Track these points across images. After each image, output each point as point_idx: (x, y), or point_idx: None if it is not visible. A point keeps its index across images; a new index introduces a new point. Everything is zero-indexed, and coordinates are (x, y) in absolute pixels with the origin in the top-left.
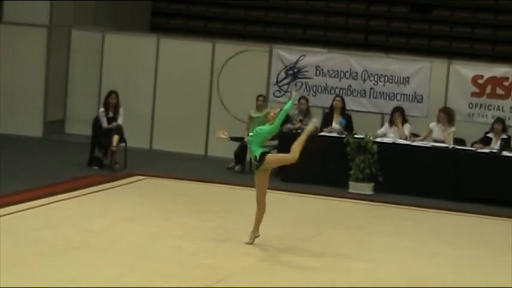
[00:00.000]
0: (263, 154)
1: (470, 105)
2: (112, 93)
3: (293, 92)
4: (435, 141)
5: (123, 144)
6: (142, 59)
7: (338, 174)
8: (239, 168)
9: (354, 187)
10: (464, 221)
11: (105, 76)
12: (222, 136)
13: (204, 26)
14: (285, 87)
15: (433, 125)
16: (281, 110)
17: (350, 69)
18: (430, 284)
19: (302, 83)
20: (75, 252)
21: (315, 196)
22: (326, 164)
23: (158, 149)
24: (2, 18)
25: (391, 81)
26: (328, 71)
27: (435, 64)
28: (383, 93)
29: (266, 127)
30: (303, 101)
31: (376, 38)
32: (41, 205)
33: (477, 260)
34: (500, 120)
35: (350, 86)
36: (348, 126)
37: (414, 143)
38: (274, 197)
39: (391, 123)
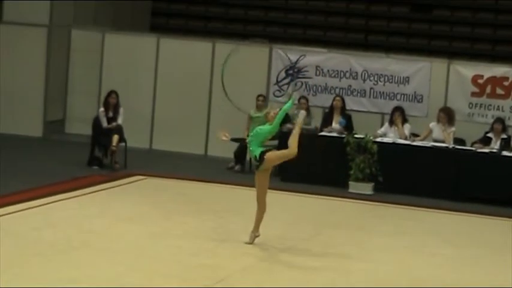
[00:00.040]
0: (263, 153)
1: (470, 105)
2: (112, 93)
3: (290, 90)
4: (435, 141)
5: (123, 144)
6: (142, 59)
7: (338, 174)
8: (239, 168)
9: (354, 187)
10: (464, 220)
11: (105, 76)
12: (224, 138)
13: (204, 26)
14: (285, 87)
15: (433, 124)
16: (280, 109)
17: (350, 69)
18: (430, 284)
19: (302, 83)
20: (75, 252)
21: (315, 196)
22: (326, 164)
23: (158, 148)
24: (2, 18)
25: (391, 81)
26: (328, 70)
27: (435, 64)
28: (383, 93)
29: (266, 127)
30: (303, 100)
31: (376, 38)
32: (41, 205)
33: (477, 259)
34: (500, 120)
35: (350, 85)
36: (348, 126)
37: (414, 143)
38: (274, 197)
39: (391, 123)
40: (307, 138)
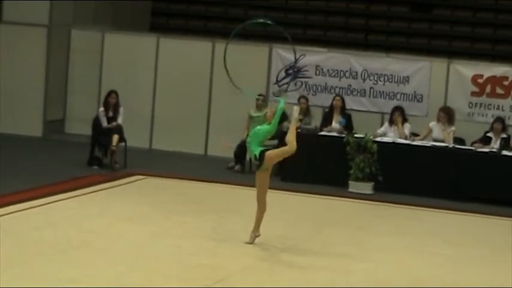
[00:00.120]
0: (262, 152)
1: (470, 105)
2: (112, 92)
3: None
4: (435, 140)
5: (123, 143)
6: (142, 59)
7: (338, 174)
8: (239, 167)
9: (354, 186)
10: (465, 220)
11: (105, 76)
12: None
13: (204, 26)
14: (284, 87)
15: (433, 124)
16: (277, 108)
17: (350, 69)
18: (430, 284)
19: (302, 82)
20: (75, 252)
21: (315, 195)
22: (326, 164)
23: (158, 148)
24: (2, 18)
25: (391, 80)
26: (328, 70)
27: (435, 63)
28: (383, 92)
29: (264, 127)
30: (302, 100)
31: (376, 38)
32: (41, 205)
33: (477, 259)
34: (500, 120)
35: (350, 85)
36: (348, 126)
37: (414, 143)
38: (274, 197)
39: (391, 122)
40: (307, 138)
